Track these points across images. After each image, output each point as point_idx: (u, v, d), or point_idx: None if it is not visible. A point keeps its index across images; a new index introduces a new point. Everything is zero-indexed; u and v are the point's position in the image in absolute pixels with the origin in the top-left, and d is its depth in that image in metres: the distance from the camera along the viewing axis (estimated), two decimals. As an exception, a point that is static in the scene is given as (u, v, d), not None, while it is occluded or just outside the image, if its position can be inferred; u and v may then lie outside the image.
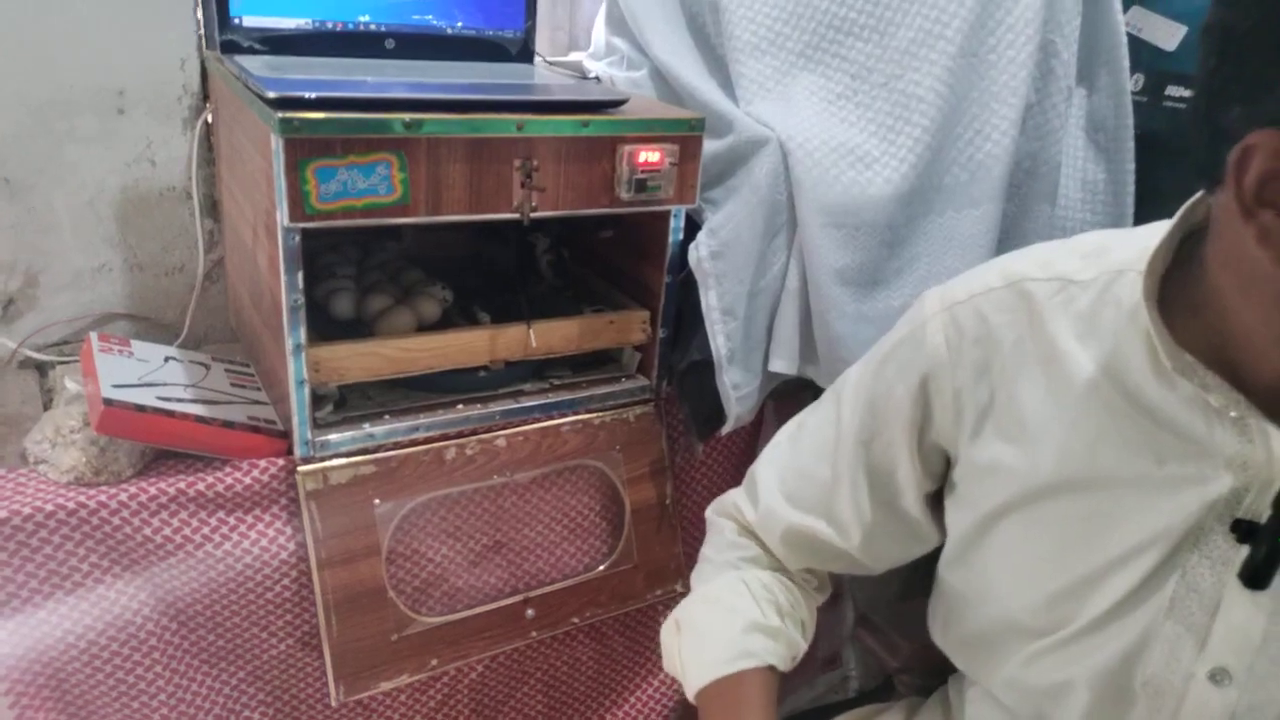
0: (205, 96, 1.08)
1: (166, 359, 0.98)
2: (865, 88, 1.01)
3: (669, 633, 0.79)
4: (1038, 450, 0.61)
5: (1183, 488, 0.56)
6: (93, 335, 0.95)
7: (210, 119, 1.08)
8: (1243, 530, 0.54)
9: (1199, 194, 0.55)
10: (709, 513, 0.86)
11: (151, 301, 1.13)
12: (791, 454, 0.78)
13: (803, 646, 0.76)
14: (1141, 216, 1.11)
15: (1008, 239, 1.02)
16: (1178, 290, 0.55)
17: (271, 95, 0.77)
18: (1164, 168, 1.12)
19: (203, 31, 1.06)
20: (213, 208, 1.13)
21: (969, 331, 0.64)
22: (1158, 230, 0.56)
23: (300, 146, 0.78)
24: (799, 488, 0.75)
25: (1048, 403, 0.60)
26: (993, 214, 0.98)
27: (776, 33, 1.05)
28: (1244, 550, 0.54)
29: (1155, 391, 0.56)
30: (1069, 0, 1.00)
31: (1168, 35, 1.18)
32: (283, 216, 0.80)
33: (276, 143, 0.77)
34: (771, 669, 0.73)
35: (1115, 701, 0.60)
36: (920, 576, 0.78)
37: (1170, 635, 0.58)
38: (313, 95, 0.78)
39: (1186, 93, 1.14)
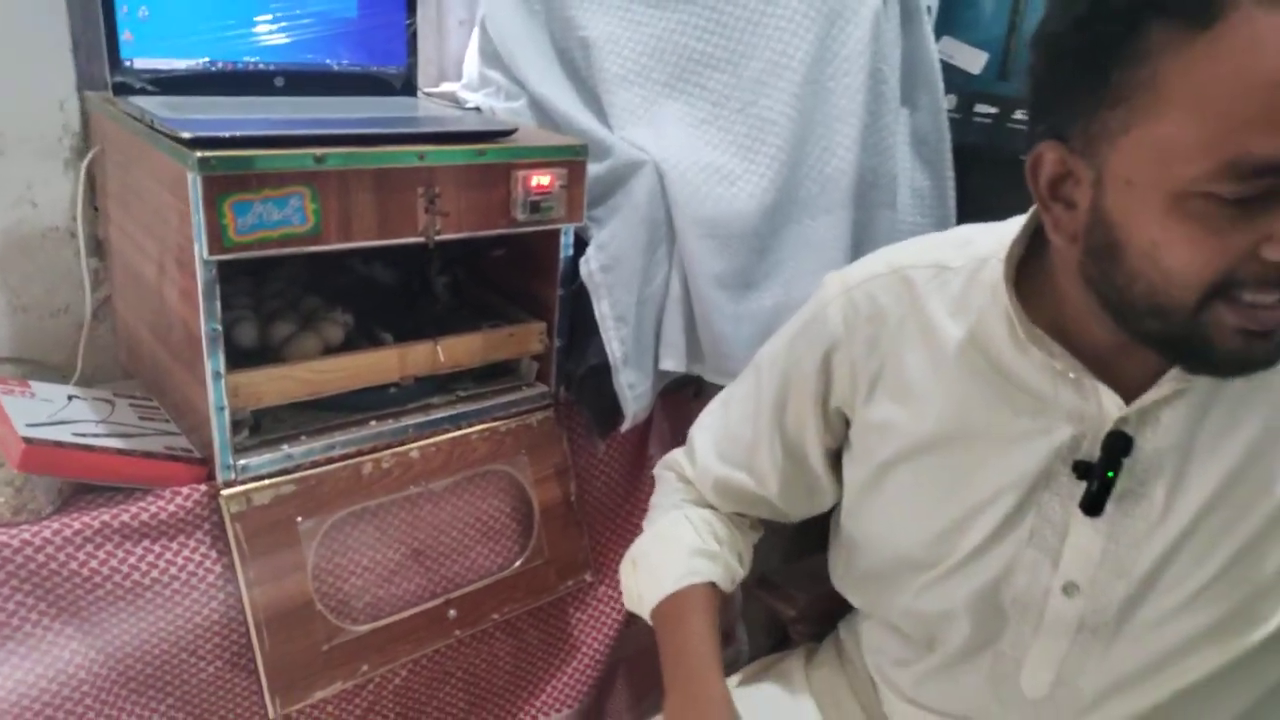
0: (86, 137, 1.09)
1: (70, 398, 0.98)
2: (725, 113, 1.13)
3: (627, 571, 0.90)
4: (920, 410, 0.72)
5: (1034, 438, 0.67)
6: (-10, 378, 0.95)
7: (94, 159, 1.08)
8: (1081, 469, 0.66)
9: None
10: (657, 469, 0.97)
11: (38, 343, 1.12)
12: (722, 419, 0.90)
13: (741, 571, 0.88)
14: (962, 217, 1.29)
15: (858, 242, 1.16)
16: (1031, 274, 0.67)
17: (186, 136, 0.81)
18: (976, 174, 1.31)
19: (80, 74, 1.07)
20: (97, 247, 1.13)
21: (862, 311, 0.75)
22: (1016, 224, 0.69)
23: (217, 183, 0.82)
24: (728, 447, 0.87)
25: (927, 370, 0.72)
26: (844, 220, 1.12)
27: (642, 65, 1.16)
28: (1083, 485, 0.66)
29: (1012, 358, 0.68)
30: (891, 33, 1.16)
31: (974, 61, 1.37)
32: (201, 250, 0.83)
33: (194, 180, 0.81)
34: (713, 585, 0.84)
35: (991, 619, 0.71)
36: (812, 536, 0.90)
37: (1030, 560, 0.69)
38: (228, 134, 0.83)
39: (993, 110, 1.33)
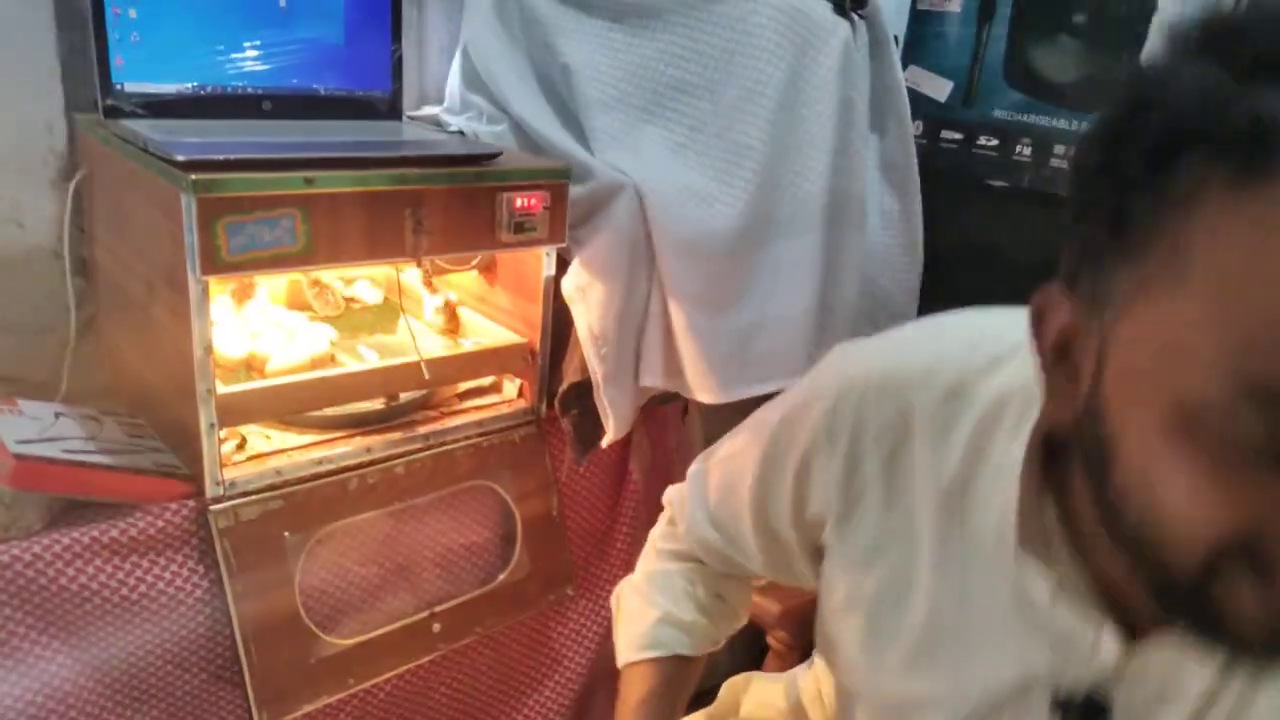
0: (73, 159, 1.10)
1: (57, 415, 0.99)
2: (702, 138, 1.17)
3: (615, 604, 0.87)
4: (898, 553, 0.59)
5: (1008, 649, 0.54)
6: (-22, 397, 0.96)
7: (82, 180, 1.10)
8: (1058, 705, 0.52)
9: None
10: (665, 496, 0.86)
11: (21, 363, 1.13)
12: (715, 478, 0.77)
13: (723, 633, 0.83)
14: (929, 237, 1.34)
15: (829, 262, 1.20)
16: (1049, 464, 0.51)
17: (181, 158, 0.84)
18: (942, 197, 1.36)
19: (67, 97, 1.08)
20: (82, 267, 1.14)
21: (848, 428, 0.60)
22: (1022, 379, 0.52)
23: (210, 205, 0.84)
24: (715, 511, 0.77)
25: (911, 509, 0.58)
26: (816, 242, 1.16)
27: (622, 91, 1.19)
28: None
29: (1012, 542, 0.52)
30: (860, 61, 1.21)
31: (939, 89, 1.43)
32: (195, 269, 0.85)
33: (188, 202, 0.83)
34: (679, 656, 0.79)
35: None
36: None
37: None
38: (221, 157, 0.85)
39: (958, 136, 1.39)
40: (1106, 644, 0.50)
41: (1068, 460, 0.49)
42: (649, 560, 0.86)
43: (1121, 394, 0.41)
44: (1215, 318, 0.36)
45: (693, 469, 0.81)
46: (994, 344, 0.56)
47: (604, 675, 1.34)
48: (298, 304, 1.25)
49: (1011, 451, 0.51)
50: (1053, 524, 0.50)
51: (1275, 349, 0.35)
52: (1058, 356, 0.45)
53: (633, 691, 0.79)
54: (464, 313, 1.26)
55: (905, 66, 1.37)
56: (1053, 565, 0.50)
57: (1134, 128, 0.40)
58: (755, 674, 0.97)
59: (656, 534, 0.87)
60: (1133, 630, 0.50)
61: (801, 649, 0.98)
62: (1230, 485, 0.37)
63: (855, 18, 1.19)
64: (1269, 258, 0.35)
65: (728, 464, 0.75)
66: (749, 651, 1.26)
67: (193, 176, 0.82)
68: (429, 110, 1.42)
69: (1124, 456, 0.41)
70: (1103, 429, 0.42)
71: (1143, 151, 0.39)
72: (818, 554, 0.67)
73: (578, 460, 1.18)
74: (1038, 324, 0.46)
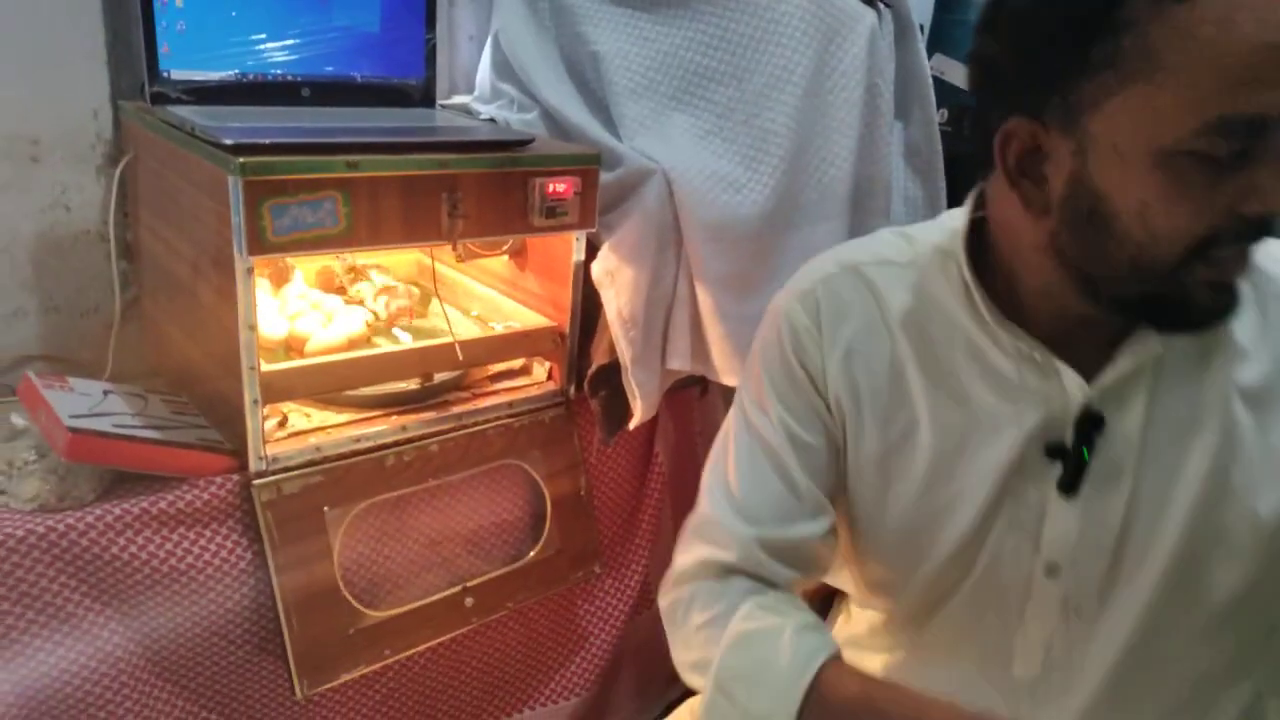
0: (119, 144, 1.13)
1: (106, 393, 1.03)
2: (729, 125, 1.19)
3: (718, 708, 0.68)
4: (895, 402, 0.72)
5: (1006, 424, 0.68)
6: (31, 374, 0.99)
7: (127, 165, 1.13)
8: (1053, 451, 0.67)
9: (979, 184, 0.69)
10: (663, 602, 0.77)
11: (67, 343, 1.17)
12: (741, 484, 0.76)
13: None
14: (954, 225, 1.35)
15: (828, 253, 1.21)
16: (977, 265, 0.68)
17: (229, 142, 0.87)
18: (966, 184, 1.37)
19: (113, 84, 1.12)
20: (126, 249, 1.18)
21: (826, 307, 0.74)
22: (946, 220, 0.72)
23: (257, 187, 0.87)
24: (770, 505, 0.74)
25: (898, 361, 0.72)
26: (841, 228, 1.18)
27: (650, 79, 1.21)
28: (1057, 467, 0.67)
29: (975, 339, 0.69)
30: (886, 49, 1.22)
31: (964, 77, 1.43)
32: (241, 249, 0.88)
33: (235, 184, 0.86)
34: (838, 658, 0.67)
35: (982, 605, 0.72)
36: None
37: (1013, 545, 0.69)
38: (268, 141, 0.88)
39: (981, 124, 1.40)
40: (1071, 383, 0.66)
41: (983, 243, 0.69)
42: (717, 634, 0.70)
43: (1110, 167, 0.58)
44: (1179, 85, 0.54)
45: (703, 500, 0.78)
46: (884, 238, 0.77)
47: (629, 651, 1.37)
48: (328, 290, 1.28)
49: (952, 277, 0.69)
50: (990, 308, 0.68)
51: (1225, 94, 0.53)
52: (1021, 170, 0.62)
53: (850, 689, 0.65)
54: (492, 295, 1.29)
55: (930, 54, 1.38)
56: (1005, 341, 0.67)
57: None
58: None
59: (694, 618, 0.73)
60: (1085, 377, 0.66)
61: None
62: (1202, 194, 0.56)
63: (881, 6, 1.20)
64: (1206, 37, 0.53)
65: (737, 459, 0.76)
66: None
67: (240, 159, 0.85)
68: (459, 99, 1.45)
69: (1121, 206, 0.58)
70: (1096, 200, 0.59)
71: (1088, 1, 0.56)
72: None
73: (605, 441, 1.21)
74: (1003, 150, 0.62)
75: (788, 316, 0.76)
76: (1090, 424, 0.66)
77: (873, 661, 0.82)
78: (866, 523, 0.76)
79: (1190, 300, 0.59)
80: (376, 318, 1.20)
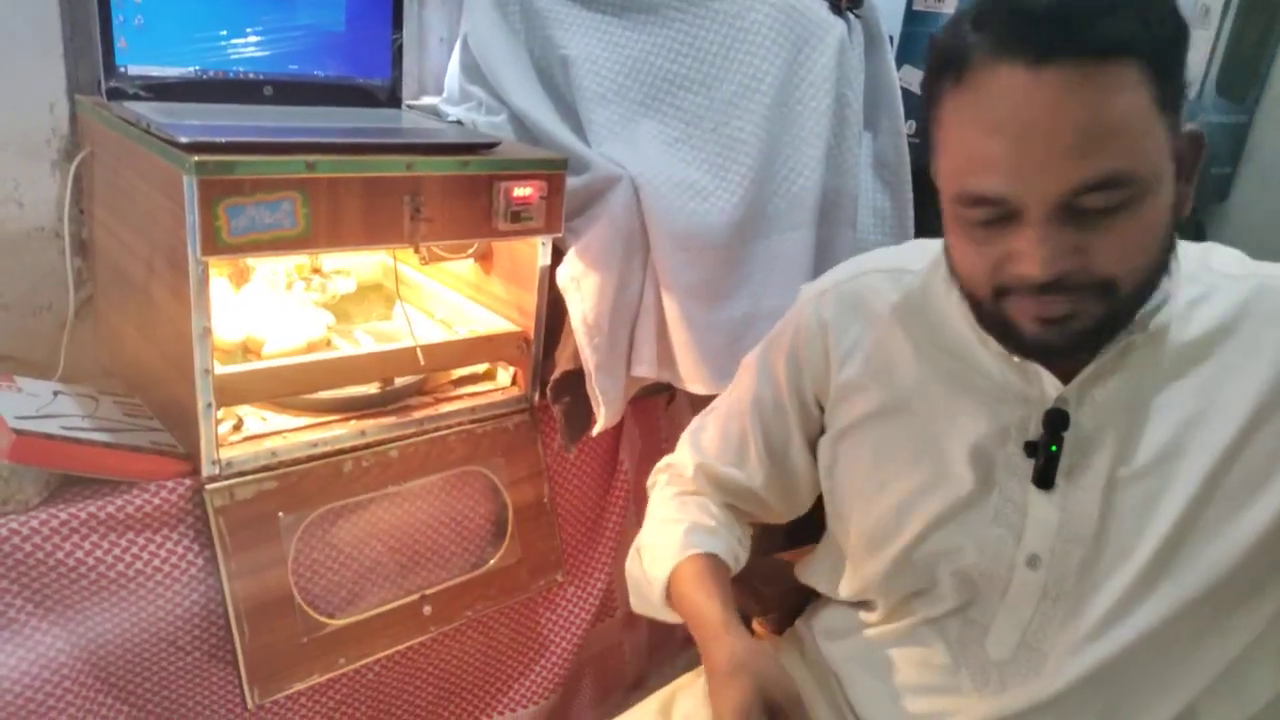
0: (75, 139, 1.11)
1: (55, 393, 1.00)
2: (698, 133, 1.19)
3: (633, 562, 0.92)
4: (888, 379, 0.80)
5: (988, 420, 0.74)
6: (-23, 373, 0.97)
7: (83, 161, 1.10)
8: (1030, 449, 0.73)
9: None
10: (657, 466, 1.00)
11: (18, 342, 1.14)
12: (712, 421, 0.95)
13: (742, 553, 0.91)
14: (920, 236, 1.35)
15: (821, 257, 1.22)
16: None
17: (184, 140, 0.85)
18: (933, 197, 1.37)
19: (69, 78, 1.09)
20: (81, 247, 1.15)
21: (837, 306, 0.83)
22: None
23: (212, 186, 0.85)
24: (719, 446, 0.93)
25: (897, 351, 0.79)
26: (808, 237, 1.18)
27: (620, 85, 1.21)
28: (1031, 463, 0.73)
29: (968, 342, 0.75)
30: (855, 60, 1.23)
31: (932, 90, 1.44)
32: (195, 250, 0.87)
33: (190, 183, 0.84)
34: (714, 556, 0.86)
35: (962, 589, 0.77)
36: (779, 536, 0.96)
37: (996, 537, 0.75)
38: (224, 140, 0.86)
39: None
40: (1048, 384, 0.72)
41: None
42: (653, 512, 0.94)
43: (944, 210, 0.69)
44: (947, 157, 0.66)
45: (691, 426, 0.97)
46: (909, 248, 0.86)
47: (590, 660, 1.36)
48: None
49: (953, 290, 0.74)
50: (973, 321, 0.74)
51: (964, 170, 0.63)
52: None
53: (684, 595, 0.84)
54: (457, 299, 1.27)
55: (899, 66, 1.38)
56: (993, 345, 0.74)
57: (929, 58, 0.67)
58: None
59: (659, 491, 0.97)
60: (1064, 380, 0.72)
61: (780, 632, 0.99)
62: (976, 249, 0.66)
63: (851, 16, 1.20)
64: (962, 118, 0.63)
65: (726, 407, 0.93)
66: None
67: (195, 158, 0.83)
68: (427, 100, 1.44)
69: (949, 243, 0.70)
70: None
71: (929, 72, 0.67)
72: (814, 438, 0.88)
73: (567, 448, 1.20)
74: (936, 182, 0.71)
75: (801, 314, 0.86)
76: (1056, 420, 0.71)
77: (853, 640, 0.86)
78: (855, 509, 0.83)
79: (1017, 330, 0.67)
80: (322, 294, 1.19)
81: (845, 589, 0.87)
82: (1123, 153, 0.60)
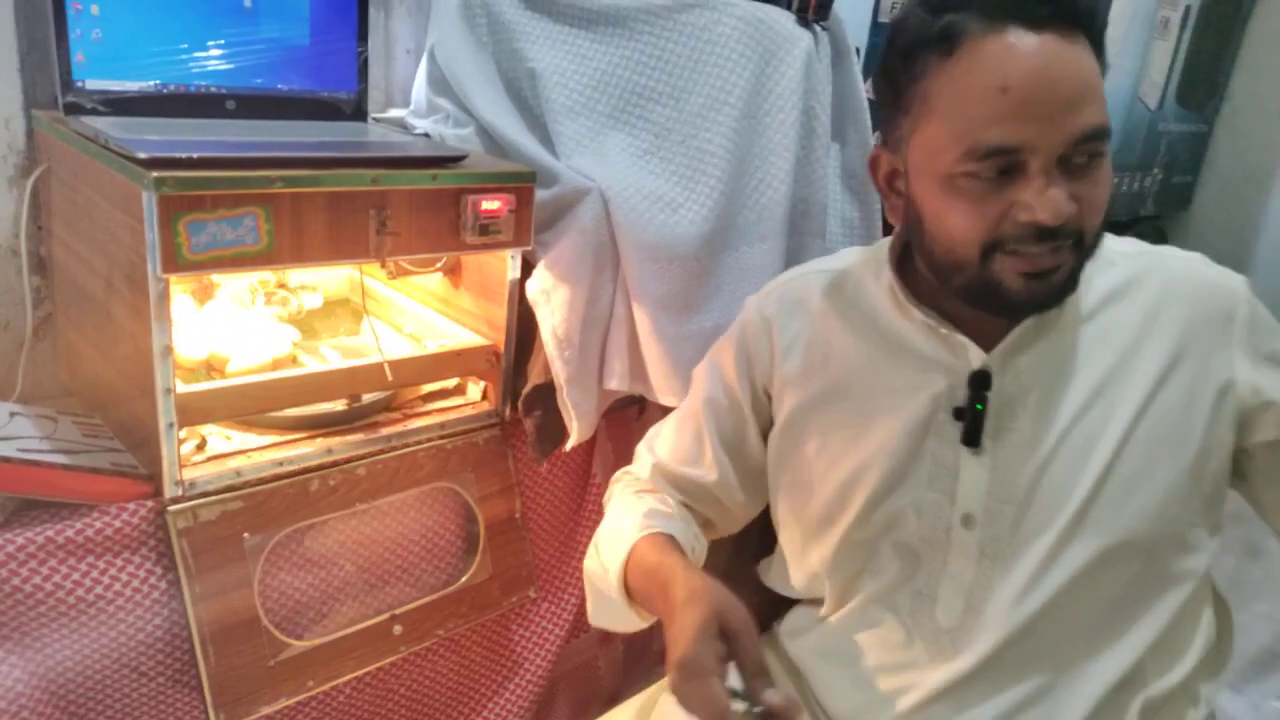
0: (32, 155, 1.09)
1: (12, 414, 0.98)
2: (667, 145, 1.19)
3: (591, 558, 0.92)
4: (825, 367, 0.86)
5: (918, 390, 0.80)
6: (-70, 395, 0.94)
7: (40, 177, 1.08)
8: (958, 413, 0.78)
9: None
10: (605, 496, 1.00)
11: (-26, 361, 1.11)
12: (669, 425, 0.99)
13: (698, 548, 0.91)
14: (890, 246, 1.36)
15: (790, 267, 1.21)
16: (905, 269, 0.83)
17: (143, 156, 0.83)
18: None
19: (25, 93, 1.07)
20: (39, 264, 1.13)
21: (779, 304, 0.90)
22: (879, 244, 0.87)
23: (172, 203, 0.84)
24: (676, 447, 0.96)
25: (831, 341, 0.86)
26: (778, 248, 1.18)
27: (588, 97, 1.20)
28: (960, 426, 0.78)
29: (898, 324, 0.82)
30: (822, 72, 1.23)
31: (898, 101, 1.45)
32: (155, 267, 0.85)
33: (149, 200, 0.83)
34: (672, 537, 0.86)
35: (906, 559, 0.81)
36: (751, 546, 0.95)
37: (932, 501, 0.79)
38: (183, 155, 0.85)
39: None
40: (972, 353, 0.78)
41: (909, 253, 0.82)
42: (615, 504, 0.95)
43: (918, 184, 0.75)
44: (946, 124, 0.70)
45: (646, 436, 1.00)
46: (841, 254, 0.94)
47: (564, 677, 1.34)
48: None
49: (881, 277, 0.84)
50: (906, 295, 0.82)
51: (974, 127, 0.68)
52: (888, 186, 0.80)
53: (643, 555, 0.84)
54: (426, 313, 1.26)
55: (866, 78, 1.39)
56: (918, 318, 0.80)
57: (893, 48, 0.75)
58: None
59: (617, 492, 0.98)
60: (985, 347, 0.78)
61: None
62: (978, 206, 0.70)
63: (817, 29, 1.21)
64: (961, 86, 0.69)
65: (683, 410, 0.97)
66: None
67: (154, 174, 0.82)
68: (395, 113, 1.42)
69: (927, 214, 0.75)
70: (916, 210, 0.76)
71: (900, 60, 0.73)
72: (766, 430, 0.92)
73: (539, 461, 1.19)
74: (874, 171, 0.81)
75: (746, 315, 0.92)
76: (979, 381, 0.77)
77: (813, 634, 0.89)
78: (802, 497, 0.87)
79: (1003, 288, 0.72)
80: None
81: (796, 580, 0.90)
82: (1100, 110, 0.69)
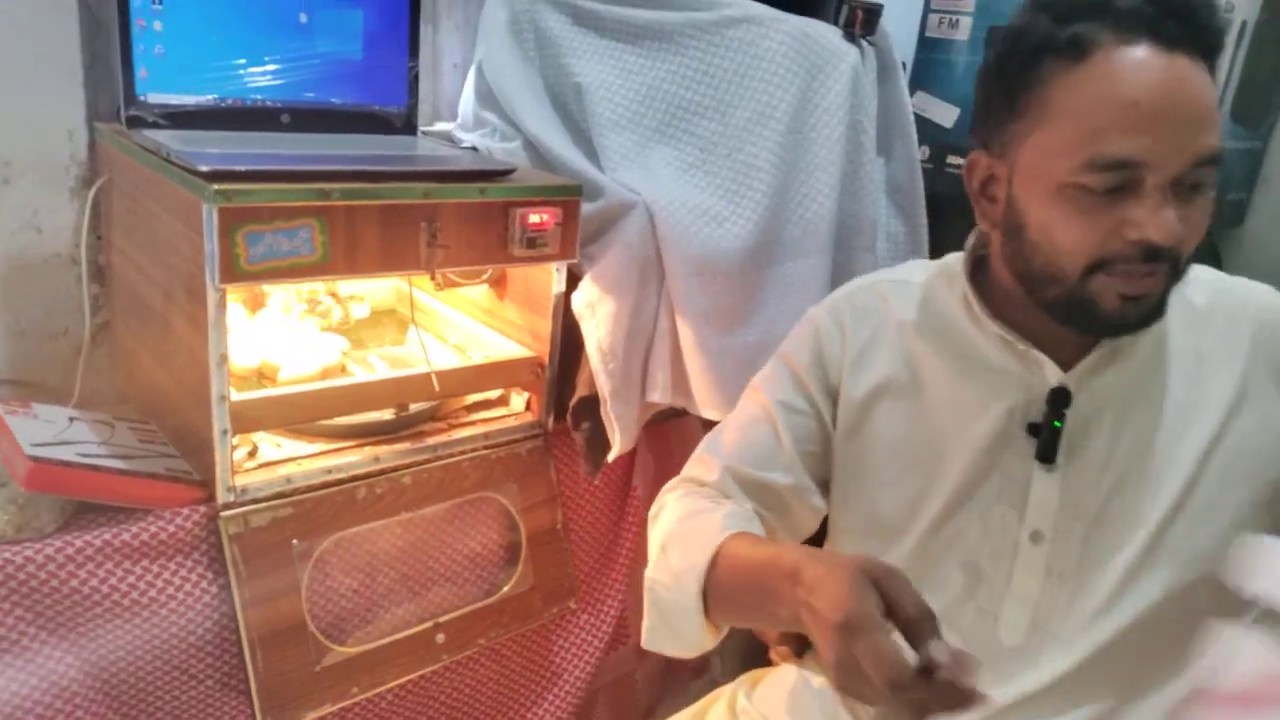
0: (93, 166, 1.12)
1: (71, 419, 1.01)
2: (712, 159, 1.19)
3: (658, 568, 0.82)
4: (896, 371, 0.84)
5: (991, 405, 0.79)
6: (-6, 399, 0.97)
7: (101, 188, 1.11)
8: (1033, 429, 0.78)
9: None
10: (653, 510, 0.90)
11: (34, 367, 1.14)
12: (734, 434, 0.90)
13: None
14: (933, 259, 1.35)
15: (836, 283, 1.20)
16: (979, 281, 0.82)
17: (204, 168, 0.85)
18: (947, 222, 1.37)
19: (89, 106, 1.10)
20: (98, 273, 1.16)
21: (847, 310, 0.88)
22: (950, 257, 0.86)
23: (231, 214, 0.86)
24: (748, 450, 0.87)
25: (901, 350, 0.85)
26: (824, 263, 1.18)
27: (634, 111, 1.21)
28: (1035, 444, 0.77)
29: (971, 336, 0.81)
30: (868, 86, 1.23)
31: (946, 115, 1.45)
32: (213, 277, 0.87)
33: (209, 211, 0.85)
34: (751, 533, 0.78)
35: (970, 575, 0.80)
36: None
37: (999, 515, 0.79)
38: (243, 169, 0.87)
39: (963, 161, 1.40)
40: (1049, 369, 0.77)
41: (986, 266, 0.82)
42: (679, 508, 0.85)
43: (1025, 191, 0.73)
44: (1068, 130, 0.69)
45: (703, 443, 0.92)
46: (909, 266, 0.93)
47: (604, 689, 1.34)
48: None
49: (954, 289, 0.83)
50: (982, 308, 0.81)
51: (1098, 138, 0.67)
52: (981, 191, 0.78)
53: (734, 555, 0.75)
54: (471, 324, 1.27)
55: (912, 93, 1.39)
56: (992, 331, 0.79)
57: (1013, 51, 0.73)
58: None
59: (676, 499, 0.87)
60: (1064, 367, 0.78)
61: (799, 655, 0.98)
62: (1088, 220, 0.69)
63: (864, 44, 1.21)
64: (1089, 93, 0.68)
65: (748, 416, 0.90)
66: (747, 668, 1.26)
67: (215, 186, 0.84)
68: (441, 126, 1.44)
69: (1031, 223, 0.73)
70: (1019, 217, 0.74)
71: (1020, 63, 0.72)
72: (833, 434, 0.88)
73: (591, 474, 1.19)
74: (969, 175, 0.79)
75: (816, 319, 0.90)
76: (1059, 398, 0.77)
77: None
78: (864, 498, 0.86)
79: (1098, 306, 0.71)
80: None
81: None
82: (1218, 135, 0.68)
